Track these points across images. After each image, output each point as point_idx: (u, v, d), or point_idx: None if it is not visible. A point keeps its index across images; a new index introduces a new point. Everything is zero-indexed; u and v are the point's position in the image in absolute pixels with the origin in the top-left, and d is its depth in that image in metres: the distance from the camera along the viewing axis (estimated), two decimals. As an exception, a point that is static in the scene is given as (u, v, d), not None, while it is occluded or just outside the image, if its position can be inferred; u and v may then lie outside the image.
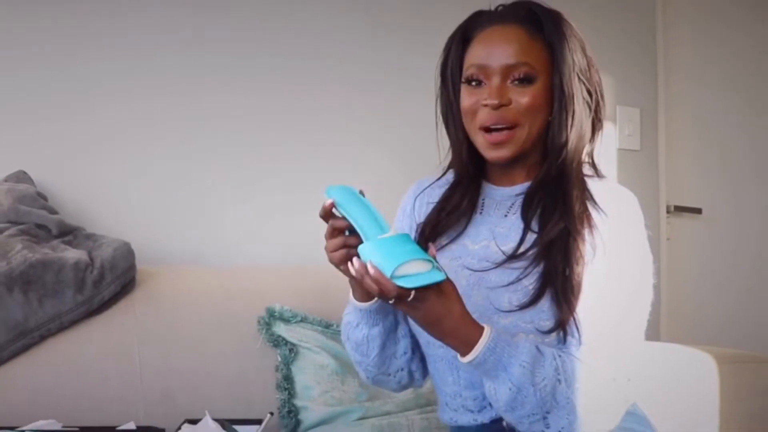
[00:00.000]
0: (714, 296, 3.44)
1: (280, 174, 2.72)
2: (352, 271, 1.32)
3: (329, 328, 2.25)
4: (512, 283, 1.47)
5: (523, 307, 1.44)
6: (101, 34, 2.51)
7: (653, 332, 1.63)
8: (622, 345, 1.45)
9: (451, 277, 1.40)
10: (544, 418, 1.39)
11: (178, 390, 2.12)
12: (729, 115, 3.55)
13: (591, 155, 1.59)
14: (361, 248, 1.33)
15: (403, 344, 1.60)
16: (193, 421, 1.95)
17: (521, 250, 1.49)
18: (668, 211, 3.39)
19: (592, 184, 1.54)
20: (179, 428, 1.92)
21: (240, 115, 2.67)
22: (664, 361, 2.24)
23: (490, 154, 1.53)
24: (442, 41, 1.61)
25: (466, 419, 1.57)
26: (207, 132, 2.63)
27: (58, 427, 1.88)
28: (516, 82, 1.51)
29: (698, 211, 3.44)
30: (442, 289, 1.34)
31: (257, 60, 2.71)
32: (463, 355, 1.38)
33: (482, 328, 1.38)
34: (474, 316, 1.40)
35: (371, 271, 1.28)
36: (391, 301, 1.32)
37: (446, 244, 1.60)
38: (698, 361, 2.17)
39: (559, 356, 1.41)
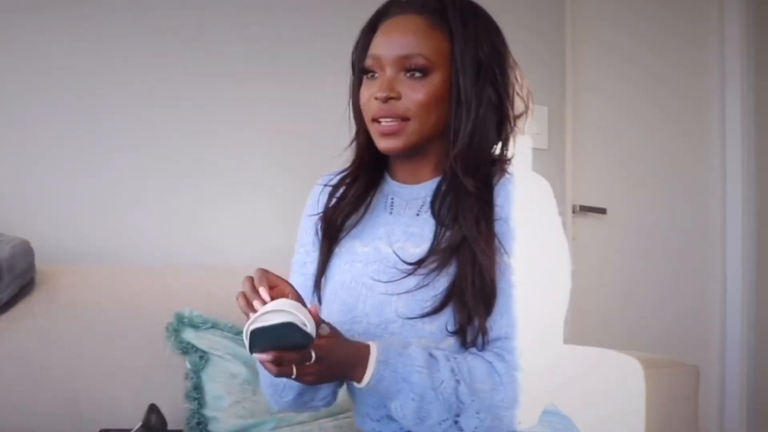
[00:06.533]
0: (620, 296, 3.49)
1: (194, 167, 2.61)
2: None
3: (241, 334, 2.03)
4: (423, 286, 1.44)
5: (433, 312, 1.43)
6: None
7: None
8: (539, 340, 1.44)
9: (359, 282, 1.50)
10: (456, 422, 1.38)
11: (83, 399, 2.01)
12: (633, 115, 3.59)
13: (501, 153, 1.53)
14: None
15: (325, 391, 1.57)
16: (108, 431, 1.88)
17: (439, 247, 1.46)
18: (573, 211, 3.38)
19: (503, 178, 1.48)
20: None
21: (152, 103, 2.55)
22: (588, 366, 2.22)
23: (381, 144, 1.49)
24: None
25: (391, 428, 1.52)
26: (113, 120, 2.49)
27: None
28: (409, 75, 1.46)
29: (603, 211, 3.44)
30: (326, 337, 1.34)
31: (164, 45, 2.59)
32: (359, 380, 1.38)
33: (367, 347, 1.39)
34: (375, 322, 1.46)
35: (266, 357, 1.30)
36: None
37: (357, 246, 1.57)
38: (624, 365, 2.15)
39: (454, 358, 1.40)
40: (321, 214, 1.60)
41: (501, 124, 1.51)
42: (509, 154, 1.53)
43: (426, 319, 1.44)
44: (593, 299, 3.37)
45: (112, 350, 2.08)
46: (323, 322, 1.35)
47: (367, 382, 1.38)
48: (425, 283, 1.44)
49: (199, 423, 2.03)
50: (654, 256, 3.61)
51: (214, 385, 2.06)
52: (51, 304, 2.09)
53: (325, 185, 1.63)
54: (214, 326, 2.14)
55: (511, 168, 1.51)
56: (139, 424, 1.85)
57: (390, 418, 1.50)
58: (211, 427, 2.03)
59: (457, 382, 1.38)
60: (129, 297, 2.18)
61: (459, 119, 1.47)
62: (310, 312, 1.29)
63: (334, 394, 1.59)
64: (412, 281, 1.46)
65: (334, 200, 1.59)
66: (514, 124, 1.53)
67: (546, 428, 1.49)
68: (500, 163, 1.51)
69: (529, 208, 1.46)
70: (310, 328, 1.26)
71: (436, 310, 1.43)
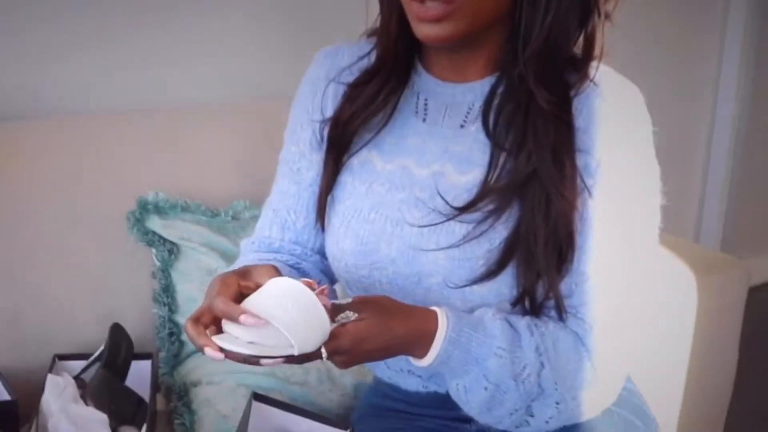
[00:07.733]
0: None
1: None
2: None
3: (216, 217, 1.81)
4: (474, 238, 1.14)
5: (486, 276, 1.13)
6: None
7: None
8: (629, 306, 1.18)
9: (381, 215, 1.19)
10: (528, 406, 1.13)
11: (27, 313, 1.68)
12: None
13: (585, 52, 1.16)
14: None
15: None
16: (63, 357, 1.61)
17: (497, 183, 1.14)
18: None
19: (586, 89, 1.14)
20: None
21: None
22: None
23: (420, 31, 1.12)
24: None
25: (412, 384, 1.29)
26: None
27: None
28: None
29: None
30: (375, 308, 1.05)
31: None
32: (420, 356, 1.09)
33: (434, 316, 1.08)
34: (405, 273, 1.17)
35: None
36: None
37: (376, 161, 1.24)
38: (673, 271, 1.83)
39: (536, 326, 1.13)
40: (330, 120, 1.25)
41: (586, 14, 1.13)
42: (596, 53, 1.15)
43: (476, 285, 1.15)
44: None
45: (61, 246, 1.73)
46: (344, 307, 1.04)
47: (429, 364, 1.09)
48: (477, 233, 1.13)
49: (171, 334, 1.74)
50: (650, 71, 3.25)
51: (187, 285, 1.75)
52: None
53: (339, 83, 1.26)
54: (185, 209, 1.79)
55: (597, 74, 1.14)
56: (102, 347, 1.58)
57: (411, 372, 1.27)
58: (185, 337, 1.73)
59: (542, 364, 1.11)
60: (79, 172, 1.78)
61: (533, 4, 1.10)
62: (325, 305, 0.98)
63: None
64: (458, 229, 1.15)
65: (348, 102, 1.24)
66: (604, 15, 1.15)
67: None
68: (582, 67, 1.14)
69: (619, 132, 1.14)
70: (313, 334, 0.96)
71: (491, 273, 1.13)
